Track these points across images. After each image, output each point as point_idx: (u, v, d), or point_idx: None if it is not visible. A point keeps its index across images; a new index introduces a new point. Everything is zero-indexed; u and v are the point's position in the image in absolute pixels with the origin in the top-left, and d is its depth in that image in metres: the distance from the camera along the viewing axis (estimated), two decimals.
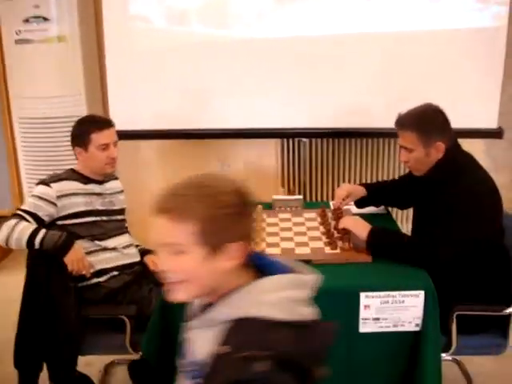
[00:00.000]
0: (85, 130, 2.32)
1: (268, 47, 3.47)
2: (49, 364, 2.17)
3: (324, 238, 2.24)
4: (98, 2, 3.59)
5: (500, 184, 2.18)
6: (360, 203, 2.55)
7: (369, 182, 3.83)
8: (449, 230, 2.01)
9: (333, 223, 2.35)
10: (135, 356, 2.20)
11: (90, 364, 2.53)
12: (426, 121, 2.15)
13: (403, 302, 1.90)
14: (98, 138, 2.30)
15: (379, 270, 2.02)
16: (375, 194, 2.55)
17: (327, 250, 2.14)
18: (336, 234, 2.23)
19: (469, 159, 2.20)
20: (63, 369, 2.16)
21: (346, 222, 2.22)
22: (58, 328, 2.10)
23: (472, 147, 2.28)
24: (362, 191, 2.52)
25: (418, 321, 1.92)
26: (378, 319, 1.93)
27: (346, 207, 2.52)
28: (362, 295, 1.90)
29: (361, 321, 1.93)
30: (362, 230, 2.15)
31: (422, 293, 1.89)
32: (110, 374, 2.69)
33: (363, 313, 1.91)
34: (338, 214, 2.41)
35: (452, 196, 2.05)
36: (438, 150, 2.13)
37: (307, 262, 2.04)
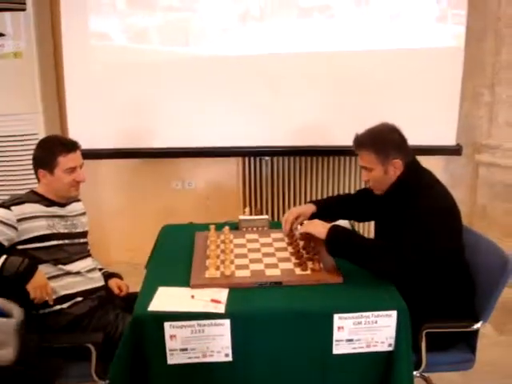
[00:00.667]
0: (51, 152, 2.23)
1: (229, 65, 3.48)
2: None
3: (293, 259, 2.21)
4: (55, 18, 3.53)
5: (458, 200, 2.21)
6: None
7: None
8: (409, 241, 2.02)
9: (301, 243, 2.33)
10: None
11: None
12: (382, 139, 2.18)
13: (376, 322, 1.90)
14: (65, 161, 2.23)
15: (351, 291, 2.00)
16: (326, 208, 2.52)
17: (298, 271, 2.12)
18: (305, 255, 2.21)
19: (428, 175, 2.24)
20: None
21: (305, 227, 2.23)
22: (17, 360, 1.99)
23: (430, 163, 2.32)
24: (310, 208, 2.49)
25: (391, 340, 1.91)
26: (351, 340, 1.91)
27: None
28: (336, 317, 1.88)
29: (334, 342, 1.90)
30: (320, 228, 2.14)
31: (394, 312, 1.89)
32: None
33: (337, 334, 1.89)
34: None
35: (412, 212, 2.06)
36: (396, 168, 2.16)
37: (278, 283, 2.04)
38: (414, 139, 2.23)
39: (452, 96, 3.40)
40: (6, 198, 2.29)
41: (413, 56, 3.39)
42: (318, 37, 3.41)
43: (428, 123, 3.40)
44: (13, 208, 2.16)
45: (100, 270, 2.45)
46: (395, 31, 3.39)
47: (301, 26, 3.40)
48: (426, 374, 2.49)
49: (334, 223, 2.21)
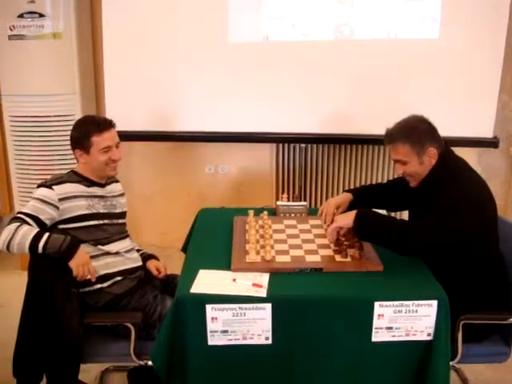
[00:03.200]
0: (85, 132, 2.25)
1: (265, 51, 3.46)
2: (49, 373, 2.10)
3: (333, 246, 2.22)
4: None
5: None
6: (349, 210, 2.51)
7: None
8: (440, 220, 2.01)
9: (341, 231, 2.33)
10: (135, 363, 2.14)
11: (84, 371, 2.44)
12: (415, 129, 2.17)
13: (416, 311, 1.90)
14: (100, 140, 2.24)
15: (391, 279, 2.00)
16: (362, 197, 2.52)
17: (338, 258, 2.13)
18: (345, 242, 2.20)
19: (462, 163, 2.23)
20: (64, 378, 2.09)
21: (332, 225, 2.18)
22: (59, 336, 2.03)
23: (463, 155, 2.30)
24: (348, 197, 2.48)
25: (431, 330, 1.91)
26: (390, 328, 1.91)
27: None
28: (376, 304, 1.88)
29: (374, 330, 1.91)
30: (347, 218, 2.12)
31: (435, 302, 1.89)
32: (106, 380, 2.63)
33: (376, 322, 1.90)
34: None
35: (447, 197, 2.05)
36: (431, 157, 2.15)
37: (319, 269, 2.05)
38: (450, 130, 2.23)
39: (491, 87, 3.34)
40: (47, 177, 2.32)
41: (452, 46, 3.33)
42: (354, 24, 3.37)
43: (465, 114, 3.36)
44: (54, 187, 2.18)
45: (138, 251, 2.48)
46: (434, 20, 3.34)
47: (336, 12, 3.37)
48: (456, 365, 2.51)
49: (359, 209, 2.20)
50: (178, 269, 2.15)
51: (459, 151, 2.27)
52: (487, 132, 3.42)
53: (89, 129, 2.25)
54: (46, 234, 2.04)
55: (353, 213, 2.12)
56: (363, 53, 3.39)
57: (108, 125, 2.29)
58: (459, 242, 2.02)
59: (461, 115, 3.32)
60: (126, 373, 2.53)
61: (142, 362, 2.11)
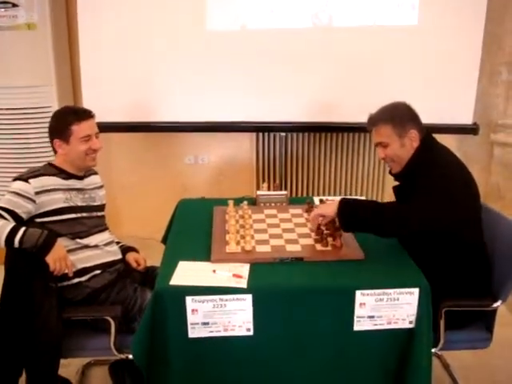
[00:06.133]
0: (65, 121, 2.23)
1: (243, 39, 3.43)
2: (28, 369, 2.07)
3: (313, 235, 2.21)
4: None
5: None
6: None
7: (343, 175, 3.88)
8: (430, 200, 1.99)
9: (321, 219, 2.31)
10: (116, 357, 2.12)
11: (65, 365, 2.42)
12: (398, 111, 2.19)
13: (398, 299, 1.89)
14: (79, 129, 2.21)
15: (372, 268, 2.00)
16: None
17: (318, 247, 2.12)
18: (326, 231, 2.19)
19: (444, 150, 2.23)
20: (44, 373, 2.06)
21: (314, 211, 2.17)
22: (38, 331, 2.00)
23: (443, 142, 2.30)
24: None
25: (412, 318, 1.91)
26: (372, 317, 1.91)
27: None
28: (358, 293, 1.87)
29: (355, 319, 1.90)
30: (330, 206, 2.09)
31: (416, 290, 1.89)
32: (87, 374, 2.61)
33: (358, 311, 1.89)
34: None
35: (427, 179, 2.04)
36: (413, 140, 2.16)
37: (299, 259, 2.03)
38: (430, 117, 2.24)
39: (470, 74, 3.36)
40: (22, 170, 2.28)
41: (431, 33, 3.33)
42: (335, 11, 3.36)
43: (445, 101, 3.37)
44: (31, 181, 2.14)
45: (117, 243, 2.45)
46: (413, 7, 3.33)
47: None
48: (438, 352, 2.52)
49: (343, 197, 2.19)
50: (158, 260, 2.12)
51: (439, 138, 2.27)
52: (467, 119, 3.44)
53: (68, 118, 2.23)
54: (22, 229, 2.00)
55: (336, 201, 2.09)
56: (342, 40, 3.39)
57: (87, 115, 2.27)
58: (451, 222, 2.01)
59: (440, 102, 3.33)
60: (108, 366, 2.50)
61: (122, 356, 2.09)
